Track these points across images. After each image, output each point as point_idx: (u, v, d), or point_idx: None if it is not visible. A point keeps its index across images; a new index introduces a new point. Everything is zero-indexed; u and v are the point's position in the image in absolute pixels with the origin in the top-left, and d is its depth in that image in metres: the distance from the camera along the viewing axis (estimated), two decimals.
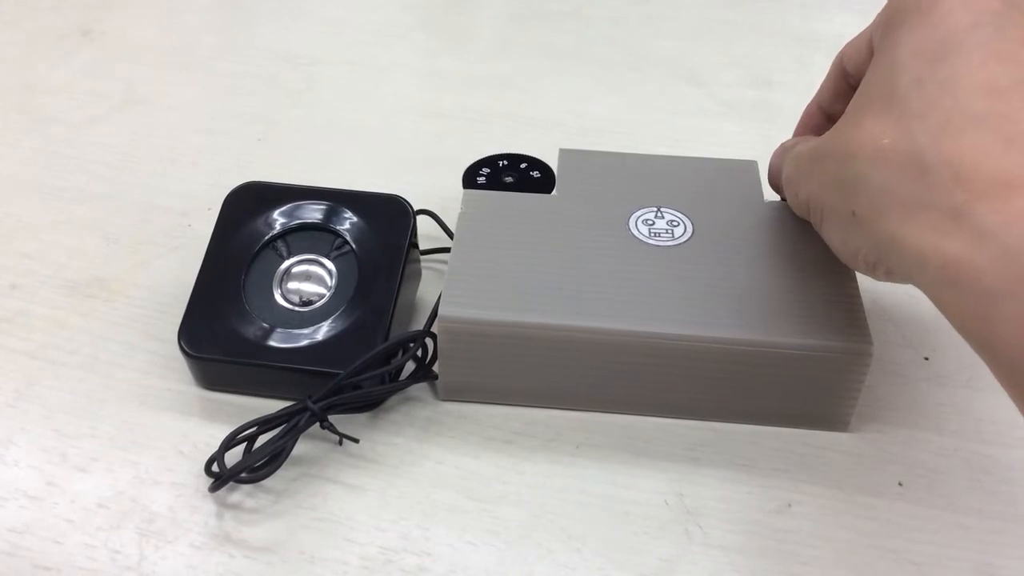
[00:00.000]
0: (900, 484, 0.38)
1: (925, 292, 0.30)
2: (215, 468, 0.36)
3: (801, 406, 0.39)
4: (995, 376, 0.29)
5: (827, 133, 0.35)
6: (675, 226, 0.42)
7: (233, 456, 0.37)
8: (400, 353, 0.39)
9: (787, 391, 0.39)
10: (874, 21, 0.36)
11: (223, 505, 0.37)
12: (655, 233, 0.41)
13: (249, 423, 0.37)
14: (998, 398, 0.41)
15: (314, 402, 0.37)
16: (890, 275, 0.34)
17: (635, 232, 0.41)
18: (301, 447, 0.39)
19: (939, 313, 0.44)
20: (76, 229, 0.50)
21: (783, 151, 0.41)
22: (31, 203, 0.52)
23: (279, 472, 0.37)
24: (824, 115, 0.42)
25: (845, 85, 0.41)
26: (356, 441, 0.38)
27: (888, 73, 0.32)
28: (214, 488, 0.36)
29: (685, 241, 0.41)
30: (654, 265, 0.40)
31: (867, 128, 0.32)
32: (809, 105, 0.42)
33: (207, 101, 0.60)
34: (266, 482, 0.37)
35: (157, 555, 0.35)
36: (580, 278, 0.39)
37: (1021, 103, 0.29)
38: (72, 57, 0.64)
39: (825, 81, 0.41)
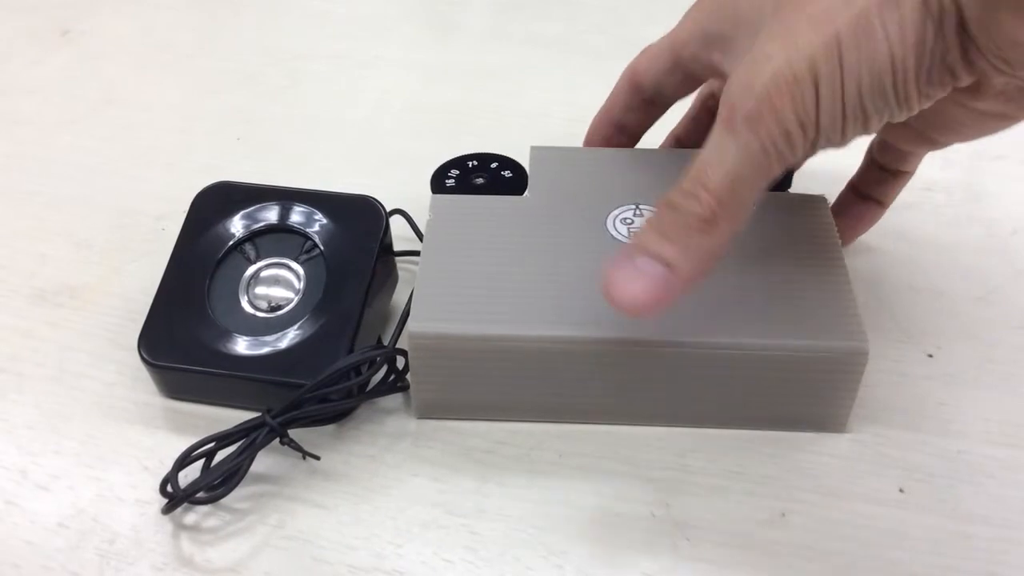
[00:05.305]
0: (901, 490, 0.36)
1: None
2: (169, 489, 0.34)
3: (795, 409, 0.37)
4: None
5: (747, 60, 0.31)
6: None
7: (194, 472, 0.35)
8: (366, 367, 0.37)
9: (779, 394, 0.37)
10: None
11: (187, 524, 0.35)
12: (634, 232, 0.39)
13: (205, 439, 0.35)
14: (1005, 396, 0.39)
15: (273, 417, 0.35)
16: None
17: (613, 232, 0.39)
18: (268, 461, 0.37)
19: (942, 306, 0.43)
20: (47, 235, 0.49)
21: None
22: (1, 208, 0.50)
23: (245, 489, 0.35)
24: (615, 127, 0.43)
25: (639, 99, 0.42)
26: (317, 458, 0.37)
27: None
28: (167, 510, 0.34)
29: None
30: None
31: None
32: (598, 118, 0.44)
33: (186, 100, 0.59)
34: (231, 500, 0.35)
35: None
36: (556, 284, 0.37)
37: None
38: (49, 57, 0.62)
39: (615, 96, 0.43)
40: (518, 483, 0.37)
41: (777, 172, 0.31)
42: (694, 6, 0.40)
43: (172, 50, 0.63)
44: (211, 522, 0.35)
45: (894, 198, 0.42)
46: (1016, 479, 0.36)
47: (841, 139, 0.30)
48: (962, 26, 0.28)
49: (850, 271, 0.38)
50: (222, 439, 0.35)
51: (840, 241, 0.39)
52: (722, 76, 0.37)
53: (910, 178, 0.41)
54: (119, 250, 0.48)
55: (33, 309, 0.45)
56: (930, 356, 0.41)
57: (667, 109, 0.43)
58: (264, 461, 0.37)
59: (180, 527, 0.35)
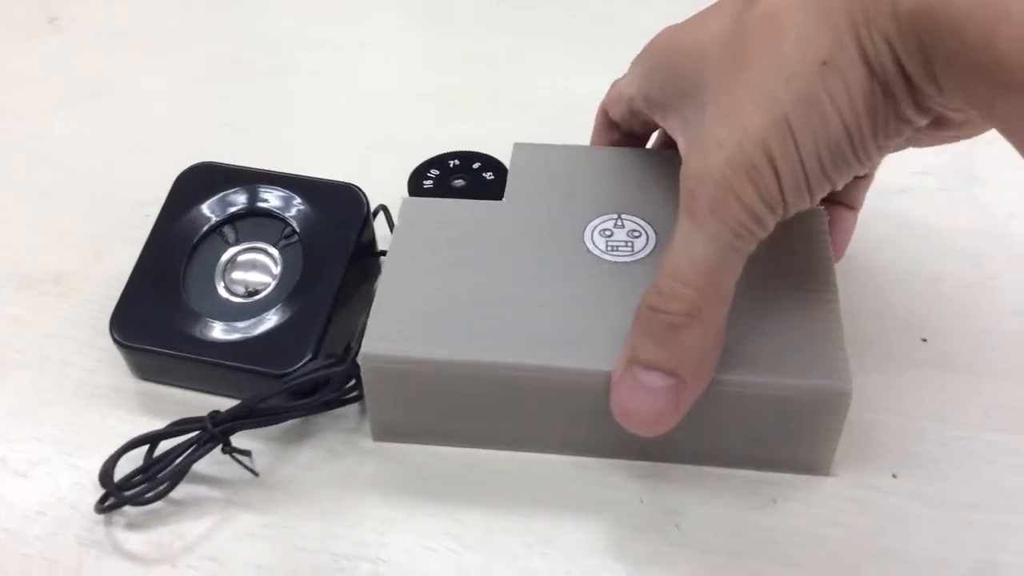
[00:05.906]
0: (894, 476, 0.35)
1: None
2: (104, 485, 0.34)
3: (774, 450, 0.35)
4: None
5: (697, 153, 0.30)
6: (636, 237, 0.37)
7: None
8: (322, 383, 0.36)
9: (757, 433, 0.34)
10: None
11: (168, 512, 0.35)
12: (612, 247, 0.37)
13: (141, 437, 0.35)
14: (1001, 382, 0.38)
15: (215, 424, 0.34)
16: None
17: (590, 246, 0.37)
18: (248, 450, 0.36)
19: (938, 292, 0.42)
20: (31, 223, 0.48)
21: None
22: None
23: (226, 479, 0.35)
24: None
25: (618, 133, 0.41)
26: (256, 474, 0.35)
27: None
28: (99, 509, 0.34)
29: (646, 256, 0.36)
30: (609, 287, 0.35)
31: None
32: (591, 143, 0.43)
33: (173, 87, 0.58)
34: (213, 487, 0.35)
35: (96, 565, 0.33)
36: (527, 306, 0.35)
37: None
38: (36, 45, 0.62)
39: (596, 129, 0.42)
40: (503, 469, 0.36)
41: (751, 250, 0.30)
42: (638, 59, 0.38)
43: (158, 37, 0.62)
44: (193, 510, 0.35)
45: (863, 201, 0.40)
46: (1013, 464, 0.36)
47: (810, 203, 0.30)
48: (910, 83, 0.27)
49: (845, 259, 0.36)
50: (157, 438, 0.34)
51: (833, 263, 0.36)
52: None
53: (872, 178, 0.40)
54: (103, 237, 0.47)
55: (17, 296, 0.44)
56: (924, 340, 0.40)
57: (650, 136, 0.42)
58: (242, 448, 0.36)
59: (160, 515, 0.35)
